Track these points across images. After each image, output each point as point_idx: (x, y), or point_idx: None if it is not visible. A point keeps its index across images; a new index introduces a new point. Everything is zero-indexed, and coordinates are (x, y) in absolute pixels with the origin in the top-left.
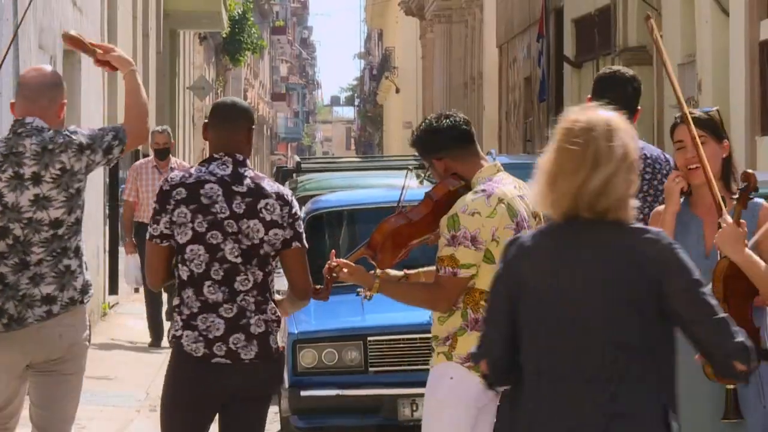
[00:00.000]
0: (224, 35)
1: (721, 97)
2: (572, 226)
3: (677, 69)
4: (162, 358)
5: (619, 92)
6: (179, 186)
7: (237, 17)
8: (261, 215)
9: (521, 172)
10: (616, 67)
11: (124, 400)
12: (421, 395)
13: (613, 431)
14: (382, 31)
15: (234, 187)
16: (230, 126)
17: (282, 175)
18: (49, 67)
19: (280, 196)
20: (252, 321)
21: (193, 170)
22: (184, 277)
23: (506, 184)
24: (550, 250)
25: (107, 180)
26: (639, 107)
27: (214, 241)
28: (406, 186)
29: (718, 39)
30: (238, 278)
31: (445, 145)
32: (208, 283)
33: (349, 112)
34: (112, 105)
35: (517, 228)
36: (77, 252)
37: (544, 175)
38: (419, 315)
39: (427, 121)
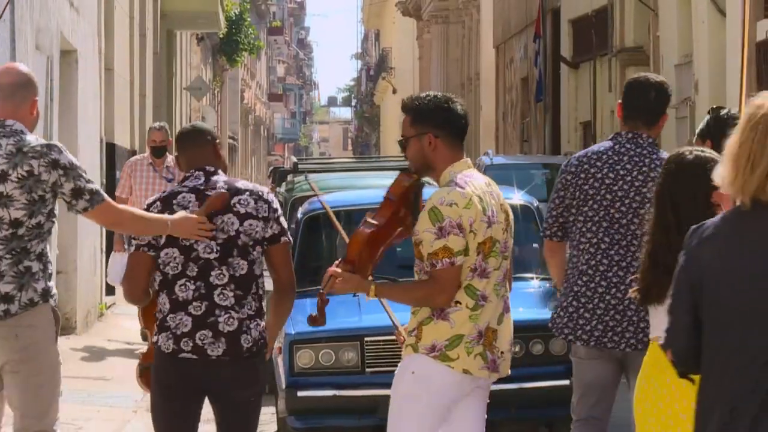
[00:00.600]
0: (221, 36)
1: (718, 98)
2: (756, 211)
3: (674, 69)
4: None
5: (642, 98)
6: (156, 201)
7: (234, 18)
8: (235, 209)
9: (519, 172)
10: (644, 74)
11: (121, 400)
12: None
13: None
14: (379, 32)
15: (207, 192)
16: (196, 145)
17: (279, 175)
18: (19, 66)
19: (253, 193)
20: (221, 319)
21: (169, 188)
22: (158, 282)
23: (477, 179)
24: (732, 235)
25: (104, 181)
26: (665, 113)
27: (187, 242)
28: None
29: (715, 39)
30: (213, 273)
31: (444, 123)
32: (180, 282)
33: (346, 113)
34: (109, 105)
35: (488, 222)
36: (41, 257)
37: (736, 158)
38: None
39: (433, 94)
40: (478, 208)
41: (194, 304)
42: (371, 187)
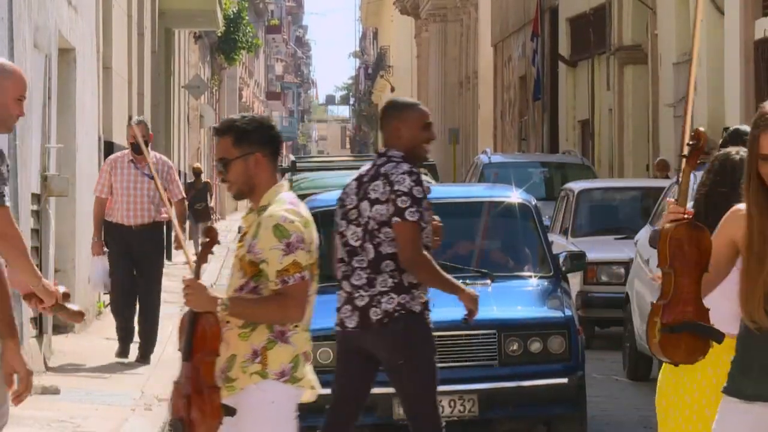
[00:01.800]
0: (219, 34)
1: (717, 95)
2: None
3: (672, 68)
4: (156, 357)
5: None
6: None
7: (232, 16)
8: (369, 196)
9: (517, 170)
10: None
11: (120, 398)
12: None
13: None
14: (377, 30)
15: (364, 179)
16: (381, 124)
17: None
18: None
19: (386, 176)
20: (356, 295)
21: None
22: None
23: (299, 201)
24: None
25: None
26: None
27: (341, 229)
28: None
29: (713, 38)
30: (356, 258)
31: (265, 142)
32: (339, 265)
33: (344, 111)
34: (107, 104)
35: (316, 244)
36: None
37: None
38: None
39: (249, 115)
40: (313, 228)
41: (343, 282)
42: None
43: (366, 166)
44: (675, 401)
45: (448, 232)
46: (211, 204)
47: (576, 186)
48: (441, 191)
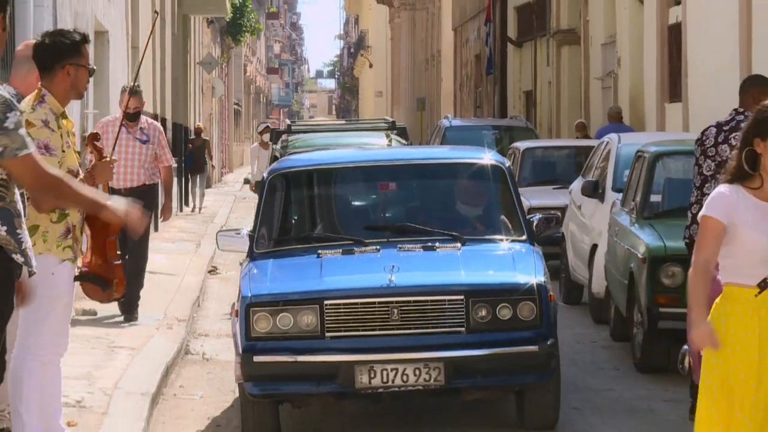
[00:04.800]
0: (227, 19)
1: (637, 72)
2: None
3: (600, 48)
4: (177, 283)
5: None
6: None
7: (238, 5)
8: (729, 142)
9: (473, 132)
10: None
11: (147, 319)
12: (380, 361)
13: None
14: (358, 16)
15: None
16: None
17: (275, 135)
18: (32, 41)
19: None
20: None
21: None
22: None
23: None
24: None
25: None
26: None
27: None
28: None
29: (635, 23)
30: (706, 186)
31: (75, 53)
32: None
33: (330, 84)
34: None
35: None
36: None
37: None
38: (378, 278)
39: (50, 32)
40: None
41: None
42: (350, 144)
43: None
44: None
45: (419, 194)
46: (209, 159)
47: (521, 145)
48: (411, 153)
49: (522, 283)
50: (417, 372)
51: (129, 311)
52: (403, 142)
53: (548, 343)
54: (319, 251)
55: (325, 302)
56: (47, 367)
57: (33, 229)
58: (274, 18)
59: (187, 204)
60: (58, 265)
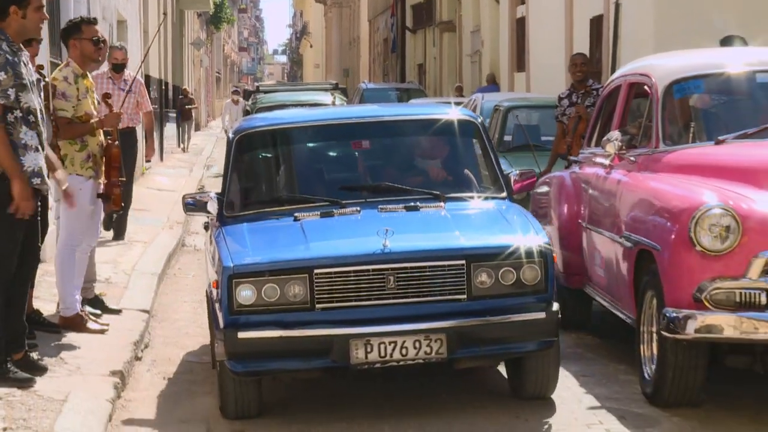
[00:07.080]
0: (211, 13)
1: (495, 51)
2: None
3: (470, 34)
4: (176, 197)
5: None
6: None
7: (218, 2)
8: None
9: (382, 93)
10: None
11: (155, 222)
12: (376, 334)
13: None
14: (302, 11)
15: None
16: None
17: (246, 94)
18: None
19: None
20: None
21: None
22: None
23: None
24: None
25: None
26: None
27: None
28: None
29: (493, 16)
30: None
31: (76, 31)
32: None
33: (283, 59)
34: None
35: None
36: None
37: None
38: (371, 243)
39: (70, 19)
40: None
41: None
42: (306, 100)
43: None
44: None
45: (394, 152)
46: (193, 107)
47: (415, 102)
48: (383, 110)
49: (526, 245)
50: (417, 344)
51: (120, 234)
52: (344, 99)
53: (554, 309)
54: (296, 214)
55: (315, 271)
56: (82, 254)
57: (64, 157)
58: (244, 12)
59: (179, 145)
60: (84, 182)
